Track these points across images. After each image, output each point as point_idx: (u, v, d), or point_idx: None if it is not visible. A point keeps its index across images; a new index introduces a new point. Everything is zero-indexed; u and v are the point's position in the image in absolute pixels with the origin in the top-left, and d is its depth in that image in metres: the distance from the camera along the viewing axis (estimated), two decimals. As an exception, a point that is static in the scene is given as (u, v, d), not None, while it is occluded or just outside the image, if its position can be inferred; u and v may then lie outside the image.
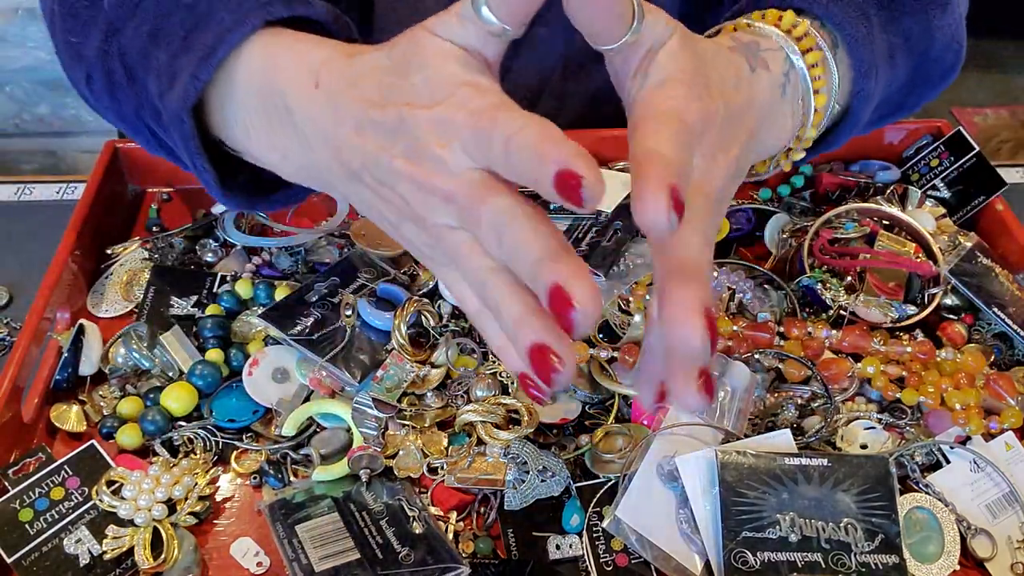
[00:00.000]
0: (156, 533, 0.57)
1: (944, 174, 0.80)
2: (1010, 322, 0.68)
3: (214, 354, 0.66)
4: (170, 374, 0.66)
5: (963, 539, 0.59)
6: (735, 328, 0.66)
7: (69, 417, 0.64)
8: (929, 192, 0.79)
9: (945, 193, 0.80)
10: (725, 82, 0.45)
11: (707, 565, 0.57)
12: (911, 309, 0.69)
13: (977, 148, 0.79)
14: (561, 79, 0.82)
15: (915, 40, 0.59)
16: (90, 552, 0.56)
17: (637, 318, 0.68)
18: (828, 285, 0.69)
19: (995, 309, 0.68)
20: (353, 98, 0.42)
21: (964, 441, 0.63)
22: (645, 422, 0.63)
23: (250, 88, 0.48)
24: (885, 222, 0.75)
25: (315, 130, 0.45)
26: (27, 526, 0.56)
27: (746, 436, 0.61)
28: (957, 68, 0.64)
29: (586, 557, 0.57)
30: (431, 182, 0.39)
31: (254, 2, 0.49)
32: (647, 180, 0.35)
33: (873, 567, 0.55)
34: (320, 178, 0.48)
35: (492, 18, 0.38)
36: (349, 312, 0.66)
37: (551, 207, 0.71)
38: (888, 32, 0.56)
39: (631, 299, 0.68)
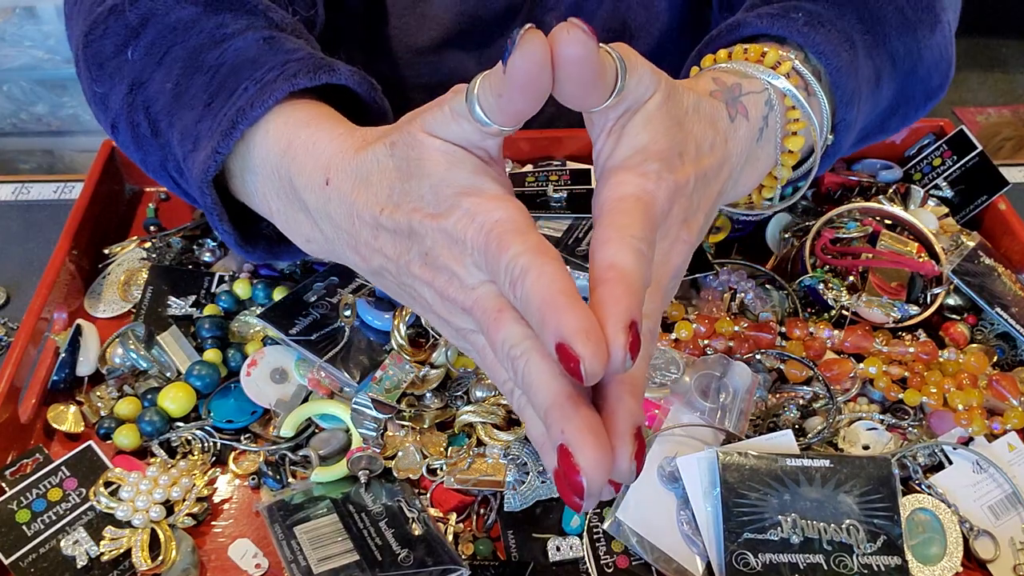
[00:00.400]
0: (154, 534, 0.57)
1: (946, 173, 0.80)
2: (1013, 322, 0.67)
3: (212, 354, 0.66)
4: (168, 375, 0.65)
5: (966, 540, 0.59)
6: (736, 328, 0.66)
7: (66, 418, 0.64)
8: (931, 191, 0.79)
9: (947, 192, 0.79)
10: (700, 145, 0.43)
11: (708, 567, 0.56)
12: (913, 309, 0.69)
13: (980, 147, 0.78)
14: None
15: (902, 61, 0.57)
16: (88, 553, 0.55)
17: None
18: (830, 285, 0.69)
19: (998, 309, 0.68)
20: (365, 201, 0.42)
21: (967, 442, 0.63)
22: (646, 423, 0.62)
23: (267, 166, 0.48)
24: (887, 221, 0.74)
25: (332, 227, 0.45)
26: (24, 527, 0.56)
27: (747, 437, 0.61)
28: (945, 87, 0.63)
29: (586, 559, 0.57)
30: (448, 292, 0.39)
31: (278, 71, 0.49)
32: (606, 318, 0.33)
33: (875, 569, 0.55)
34: (347, 265, 0.47)
35: (485, 119, 0.37)
36: (348, 312, 0.66)
37: (551, 203, 0.71)
38: (873, 56, 0.55)
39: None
